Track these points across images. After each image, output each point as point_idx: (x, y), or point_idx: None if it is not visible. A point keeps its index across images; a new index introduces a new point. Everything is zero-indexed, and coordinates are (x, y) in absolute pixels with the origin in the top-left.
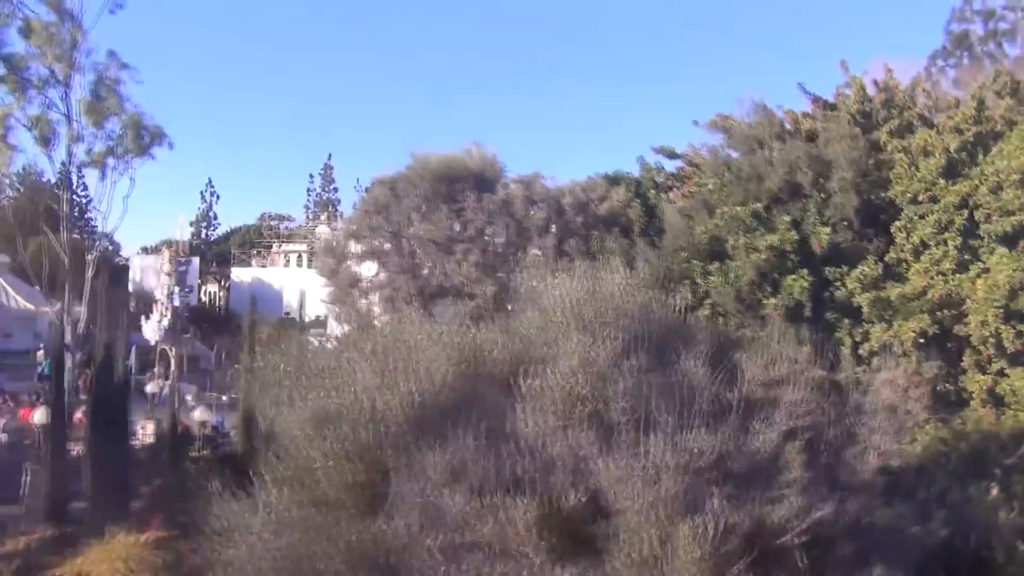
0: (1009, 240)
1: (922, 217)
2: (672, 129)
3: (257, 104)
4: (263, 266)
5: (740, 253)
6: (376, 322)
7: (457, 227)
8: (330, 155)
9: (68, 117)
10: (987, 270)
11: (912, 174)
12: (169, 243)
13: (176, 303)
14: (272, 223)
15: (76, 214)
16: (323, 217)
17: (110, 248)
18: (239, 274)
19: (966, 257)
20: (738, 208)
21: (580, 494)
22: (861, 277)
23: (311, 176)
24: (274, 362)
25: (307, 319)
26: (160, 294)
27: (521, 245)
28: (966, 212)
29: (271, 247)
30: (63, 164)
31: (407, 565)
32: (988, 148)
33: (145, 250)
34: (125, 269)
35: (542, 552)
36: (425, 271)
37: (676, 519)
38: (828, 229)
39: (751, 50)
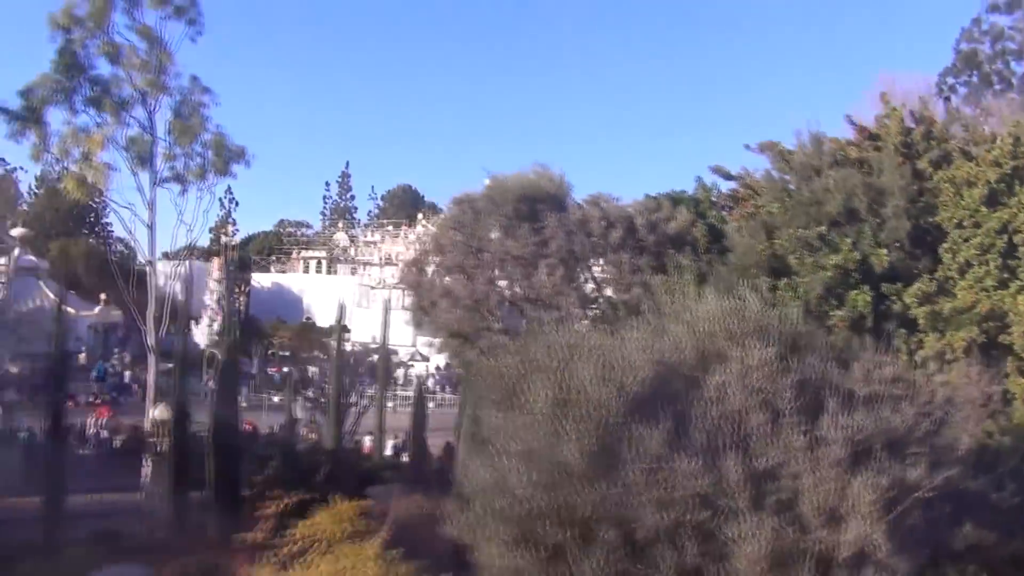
0: None
1: (966, 240)
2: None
3: (275, 111)
4: (282, 272)
5: (807, 270)
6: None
7: (536, 243)
8: (347, 163)
9: (154, 137)
10: None
11: (957, 202)
12: (214, 251)
13: (226, 308)
14: (291, 230)
15: (93, 219)
16: (340, 224)
17: (126, 253)
18: (259, 279)
19: (1006, 276)
20: (802, 230)
21: (769, 460)
22: (918, 293)
23: (327, 184)
24: (504, 362)
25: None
26: (210, 300)
27: (596, 261)
28: (1006, 236)
29: (290, 253)
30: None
31: (633, 515)
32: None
33: (166, 255)
34: (142, 274)
35: (746, 500)
36: (505, 284)
37: (848, 476)
38: (885, 251)
39: (761, 70)
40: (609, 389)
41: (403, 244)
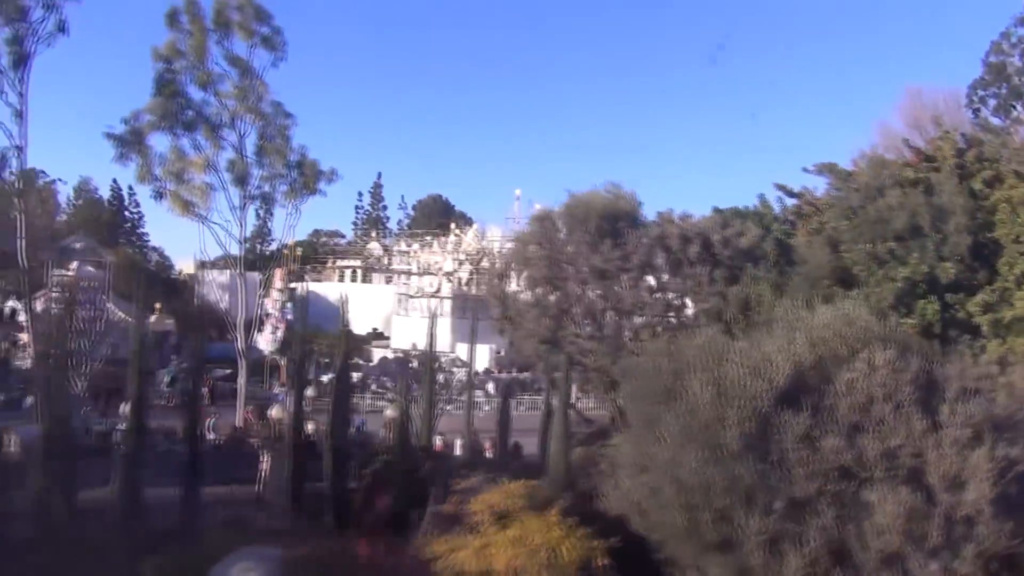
0: None
1: (1023, 254)
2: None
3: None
4: (317, 281)
5: (876, 281)
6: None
7: (618, 257)
8: (380, 174)
9: (244, 158)
10: None
11: (1013, 220)
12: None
13: (289, 317)
14: (325, 239)
15: (128, 228)
16: (373, 234)
17: (161, 262)
18: (297, 289)
19: None
20: (870, 245)
21: (897, 440)
22: (980, 302)
23: (359, 194)
24: (657, 363)
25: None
26: (273, 308)
27: (676, 273)
28: None
29: (325, 262)
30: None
31: (784, 485)
32: None
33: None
34: (176, 282)
35: (881, 472)
36: (589, 296)
37: (967, 451)
38: (949, 264)
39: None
40: (761, 383)
41: (439, 253)
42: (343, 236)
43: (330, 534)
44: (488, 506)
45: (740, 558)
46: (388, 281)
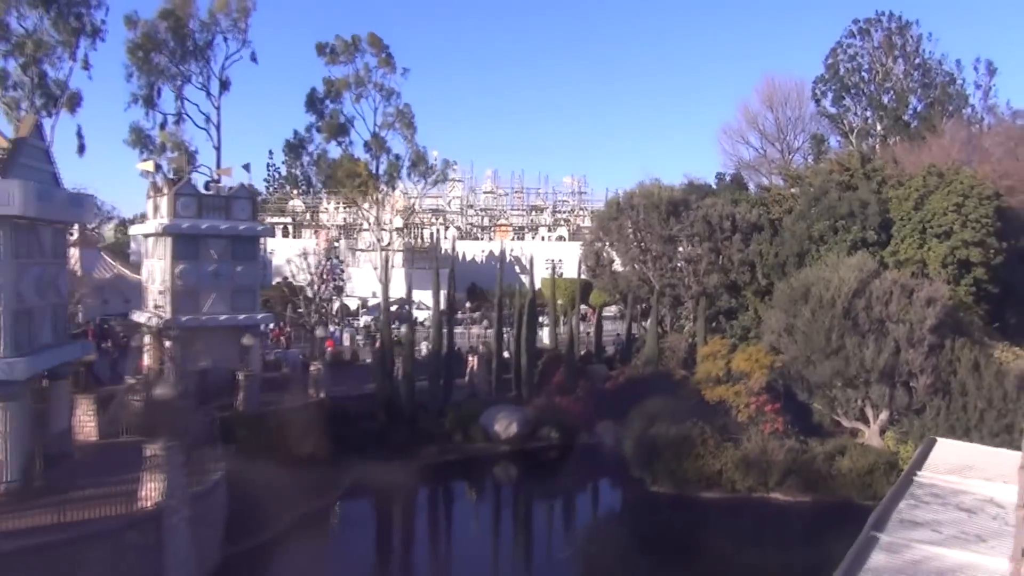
0: None
1: (905, 226)
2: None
3: None
4: None
5: (835, 243)
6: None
7: (679, 229)
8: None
9: (376, 157)
10: None
11: (899, 207)
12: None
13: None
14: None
15: None
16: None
17: None
18: None
19: (925, 246)
20: (828, 222)
21: (887, 312)
22: (889, 253)
23: (270, 152)
24: (790, 283)
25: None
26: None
27: (714, 244)
28: (922, 225)
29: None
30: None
31: (850, 368)
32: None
33: None
34: None
35: (876, 330)
36: (657, 264)
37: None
38: (872, 232)
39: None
40: (838, 291)
41: (380, 210)
42: (259, 193)
43: (532, 398)
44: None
45: (833, 364)
46: (316, 235)
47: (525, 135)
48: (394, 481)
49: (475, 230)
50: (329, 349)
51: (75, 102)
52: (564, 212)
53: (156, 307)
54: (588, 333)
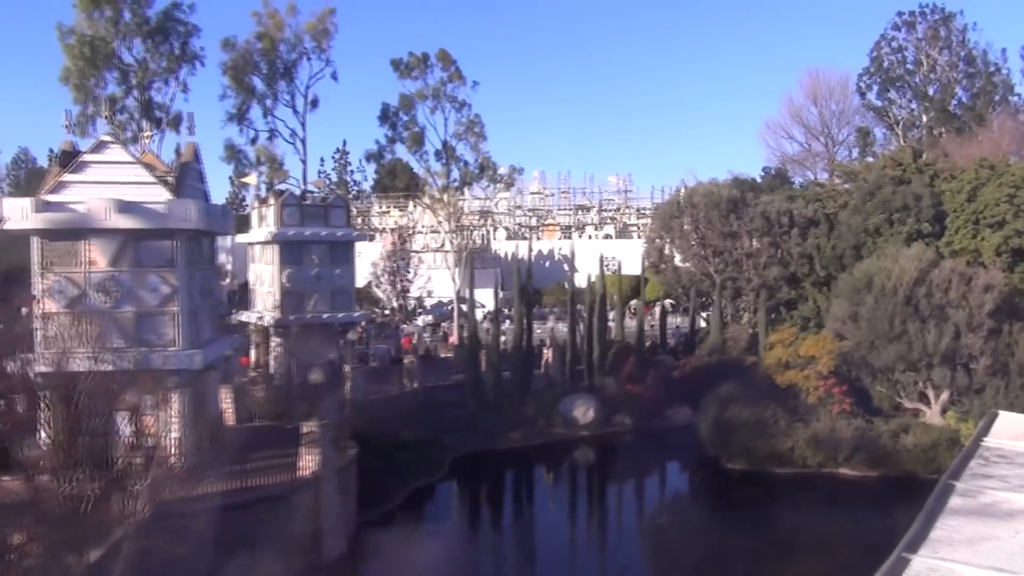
0: None
1: (959, 217)
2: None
3: None
4: None
5: (891, 235)
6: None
7: (739, 225)
8: (344, 141)
9: (445, 163)
10: None
11: (952, 199)
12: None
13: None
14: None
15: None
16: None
17: None
18: None
19: (980, 236)
20: (884, 215)
21: (947, 298)
22: (944, 244)
23: (321, 159)
24: (853, 274)
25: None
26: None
27: (773, 239)
28: (975, 216)
29: None
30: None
31: (913, 353)
32: None
33: None
34: None
35: (936, 316)
36: (718, 259)
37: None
38: (927, 224)
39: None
40: (900, 279)
41: (426, 213)
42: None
43: (605, 386)
44: (788, 335)
45: (896, 348)
46: (371, 239)
47: (570, 136)
48: (488, 461)
49: (523, 230)
50: (405, 345)
51: (176, 123)
52: (610, 211)
53: (266, 307)
54: (652, 326)
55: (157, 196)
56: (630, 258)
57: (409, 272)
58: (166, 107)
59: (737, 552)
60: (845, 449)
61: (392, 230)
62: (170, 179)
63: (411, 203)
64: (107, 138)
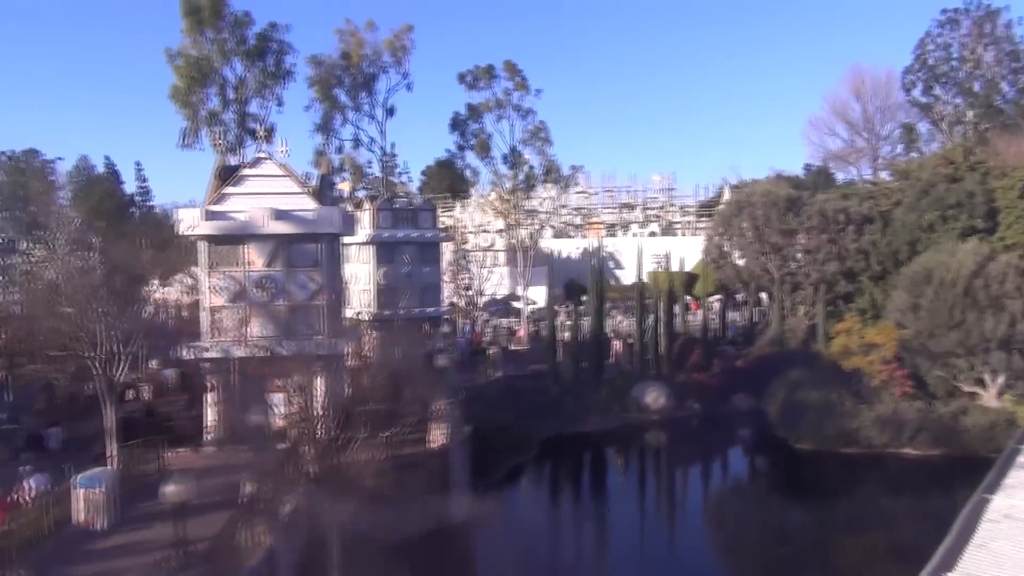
0: None
1: (1011, 213)
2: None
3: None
4: None
5: (944, 231)
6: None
7: (797, 223)
8: (393, 144)
9: (512, 165)
10: None
11: (1004, 196)
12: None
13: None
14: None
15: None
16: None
17: None
18: None
19: None
20: (937, 212)
21: (1004, 289)
22: (997, 239)
23: (368, 162)
24: (913, 267)
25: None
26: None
27: (830, 235)
28: None
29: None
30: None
31: (971, 340)
32: None
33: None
34: None
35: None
36: (777, 255)
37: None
38: (979, 221)
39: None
40: (959, 271)
41: (479, 213)
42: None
43: (672, 375)
44: (853, 325)
45: (955, 336)
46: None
47: (614, 135)
48: (571, 442)
49: (568, 228)
50: (476, 339)
51: (270, 134)
52: (654, 209)
53: (362, 304)
54: (713, 319)
55: (303, 204)
56: (678, 255)
57: (470, 271)
58: (261, 119)
59: (807, 525)
60: (909, 429)
61: (450, 228)
62: (312, 189)
63: (458, 204)
64: (262, 155)
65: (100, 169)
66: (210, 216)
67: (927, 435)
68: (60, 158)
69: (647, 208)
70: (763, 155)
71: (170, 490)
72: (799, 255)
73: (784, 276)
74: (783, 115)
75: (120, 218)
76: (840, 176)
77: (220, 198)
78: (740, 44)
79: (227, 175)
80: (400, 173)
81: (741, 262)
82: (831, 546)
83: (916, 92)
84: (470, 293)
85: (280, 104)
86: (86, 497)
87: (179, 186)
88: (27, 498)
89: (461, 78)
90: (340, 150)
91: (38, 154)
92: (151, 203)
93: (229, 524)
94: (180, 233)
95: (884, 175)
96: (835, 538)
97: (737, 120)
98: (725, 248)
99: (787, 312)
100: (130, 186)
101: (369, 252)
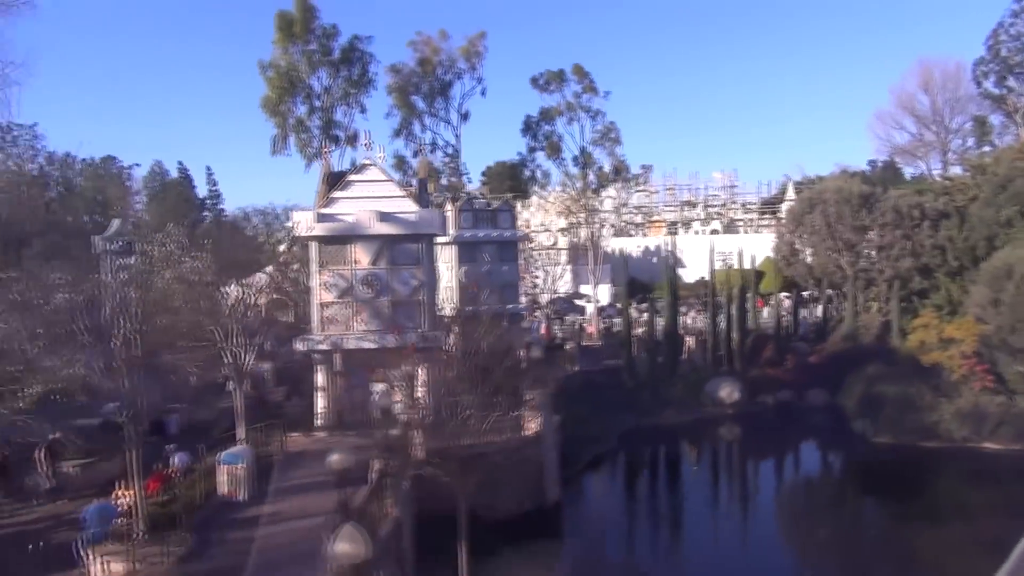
0: None
1: None
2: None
3: None
4: None
5: (1022, 229)
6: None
7: (871, 220)
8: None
9: (582, 166)
10: None
11: None
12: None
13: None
14: None
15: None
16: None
17: None
18: None
19: None
20: (1016, 207)
21: None
22: None
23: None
24: (994, 264)
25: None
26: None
27: (904, 231)
28: None
29: None
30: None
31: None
32: None
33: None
34: None
35: None
36: (850, 252)
37: None
38: None
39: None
40: None
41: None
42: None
43: (746, 370)
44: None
45: None
46: None
47: (675, 133)
48: (648, 434)
49: (629, 227)
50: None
51: (353, 140)
52: (716, 207)
53: (445, 300)
54: (784, 315)
55: (405, 207)
56: (746, 253)
57: (540, 269)
58: (344, 125)
59: (887, 516)
60: (990, 423)
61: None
62: (412, 192)
63: (519, 204)
64: (367, 161)
65: (173, 174)
66: (321, 219)
67: (1009, 429)
68: (137, 164)
69: (708, 206)
70: (825, 151)
71: (334, 459)
72: (872, 251)
73: (857, 272)
74: (844, 110)
75: (193, 222)
76: (908, 171)
77: (329, 202)
78: (801, 39)
79: (334, 180)
80: (461, 174)
81: (811, 259)
82: (915, 538)
83: (988, 84)
84: (537, 291)
85: (363, 111)
86: (229, 472)
87: (248, 191)
88: (175, 473)
89: (534, 82)
90: (416, 154)
91: (115, 160)
92: (222, 207)
93: (370, 496)
94: (295, 235)
95: (956, 169)
96: (917, 529)
97: (799, 116)
98: (796, 245)
99: (860, 308)
100: (201, 190)
101: (451, 251)
